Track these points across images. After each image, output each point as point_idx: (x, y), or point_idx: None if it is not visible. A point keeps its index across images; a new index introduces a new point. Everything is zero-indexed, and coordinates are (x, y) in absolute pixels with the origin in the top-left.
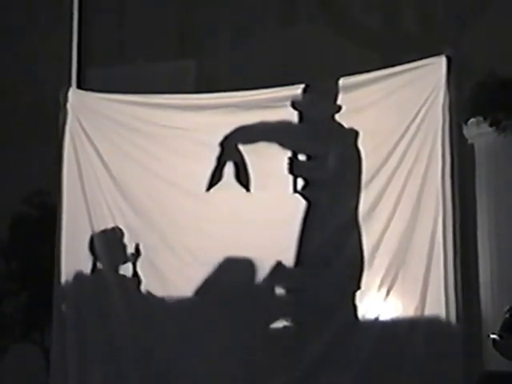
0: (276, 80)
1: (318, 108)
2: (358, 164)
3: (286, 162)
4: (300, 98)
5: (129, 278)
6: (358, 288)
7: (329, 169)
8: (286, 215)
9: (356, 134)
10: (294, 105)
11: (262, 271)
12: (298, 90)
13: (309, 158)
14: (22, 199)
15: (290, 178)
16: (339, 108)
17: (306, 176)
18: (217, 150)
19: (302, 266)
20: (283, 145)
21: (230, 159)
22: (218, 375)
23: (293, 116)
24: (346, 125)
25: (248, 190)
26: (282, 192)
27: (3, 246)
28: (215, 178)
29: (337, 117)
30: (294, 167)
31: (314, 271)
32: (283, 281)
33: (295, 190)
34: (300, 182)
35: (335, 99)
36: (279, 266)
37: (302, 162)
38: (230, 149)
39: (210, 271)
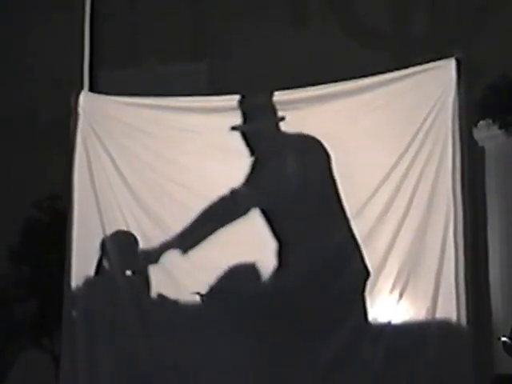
0: (287, 81)
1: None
2: (329, 173)
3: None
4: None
5: (139, 281)
6: (368, 275)
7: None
8: None
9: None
10: (234, 128)
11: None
12: (310, 90)
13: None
14: (33, 204)
15: None
16: (282, 118)
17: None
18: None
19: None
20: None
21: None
22: (229, 379)
23: (296, 119)
24: (353, 127)
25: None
26: None
27: (14, 251)
28: None
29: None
30: None
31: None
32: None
33: None
34: None
35: (275, 110)
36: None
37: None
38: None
39: (220, 275)
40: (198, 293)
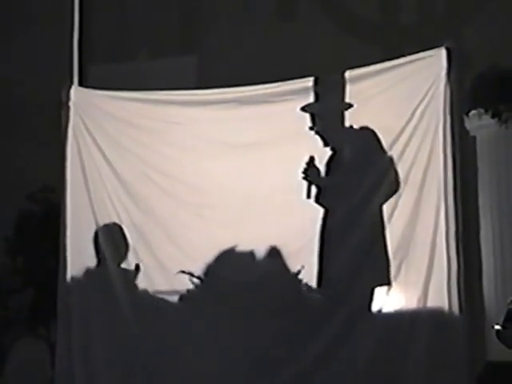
0: (277, 75)
1: (329, 107)
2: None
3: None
4: (311, 103)
5: (131, 273)
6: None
7: (348, 173)
8: (292, 205)
9: (372, 132)
10: (304, 109)
11: (267, 262)
12: (297, 84)
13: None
14: (27, 196)
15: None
16: (349, 105)
17: (320, 184)
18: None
19: (327, 285)
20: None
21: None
22: (227, 367)
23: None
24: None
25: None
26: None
27: (9, 242)
28: None
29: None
30: (308, 173)
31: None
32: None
33: (308, 196)
34: (314, 189)
35: (343, 97)
36: (274, 251)
37: (318, 169)
38: None
39: (211, 265)
40: (192, 274)
